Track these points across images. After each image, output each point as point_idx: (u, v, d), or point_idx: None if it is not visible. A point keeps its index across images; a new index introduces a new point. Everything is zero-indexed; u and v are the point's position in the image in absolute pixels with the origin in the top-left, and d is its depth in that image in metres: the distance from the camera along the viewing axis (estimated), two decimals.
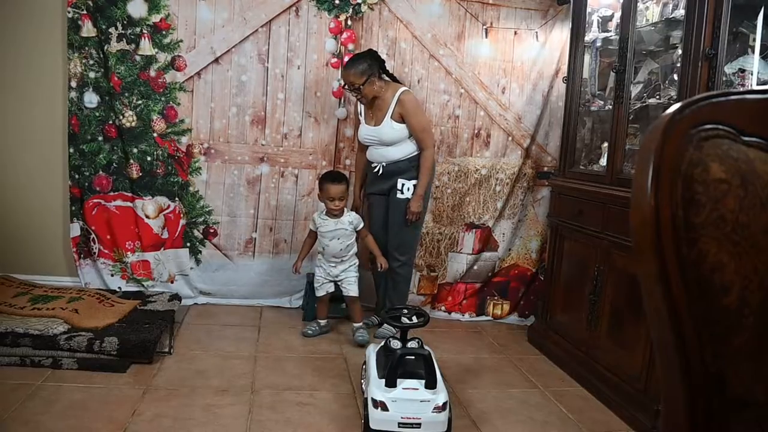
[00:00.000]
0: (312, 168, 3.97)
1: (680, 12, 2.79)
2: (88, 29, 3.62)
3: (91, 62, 3.67)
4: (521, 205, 4.20)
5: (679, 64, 2.76)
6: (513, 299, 4.23)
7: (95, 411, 2.49)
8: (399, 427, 2.38)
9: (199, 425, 2.44)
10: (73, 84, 3.67)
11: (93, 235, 3.83)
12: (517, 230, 4.23)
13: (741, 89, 2.43)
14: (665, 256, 0.75)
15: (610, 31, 3.50)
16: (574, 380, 3.21)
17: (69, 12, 3.60)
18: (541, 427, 2.69)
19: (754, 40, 2.62)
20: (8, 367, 2.80)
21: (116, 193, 3.82)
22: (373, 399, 2.39)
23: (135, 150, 3.78)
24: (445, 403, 2.41)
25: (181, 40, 3.74)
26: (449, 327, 4.01)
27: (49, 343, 2.87)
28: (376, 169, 3.56)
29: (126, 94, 3.71)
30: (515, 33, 4.06)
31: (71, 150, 3.73)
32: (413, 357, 2.48)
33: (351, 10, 3.86)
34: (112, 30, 3.65)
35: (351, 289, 3.50)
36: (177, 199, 3.88)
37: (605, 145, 3.32)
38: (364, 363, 2.80)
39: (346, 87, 3.50)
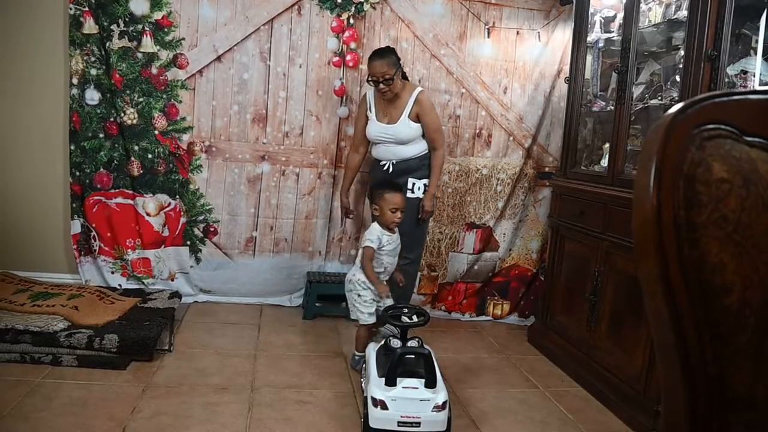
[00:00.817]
0: (313, 167, 3.97)
1: (683, 13, 2.79)
2: (89, 26, 3.62)
3: (93, 59, 3.67)
4: (522, 205, 4.20)
5: (681, 66, 2.77)
6: (513, 299, 4.23)
7: (95, 408, 2.49)
8: (398, 426, 2.38)
9: (198, 423, 2.44)
10: (75, 81, 3.67)
11: (93, 233, 3.83)
12: (518, 230, 4.23)
13: (743, 90, 2.43)
14: (667, 255, 0.75)
15: (613, 31, 3.49)
16: (574, 381, 3.21)
17: (71, 9, 3.60)
18: (540, 427, 2.69)
19: (757, 41, 2.62)
20: (8, 363, 2.81)
21: (117, 190, 3.82)
22: (372, 398, 2.39)
23: (136, 147, 3.78)
24: (444, 403, 2.41)
25: (183, 38, 3.74)
26: (449, 326, 4.01)
27: (49, 340, 2.87)
28: (385, 167, 3.53)
29: (127, 92, 3.71)
30: (517, 33, 4.06)
31: (72, 147, 3.73)
32: (413, 356, 2.48)
33: (353, 9, 3.85)
34: (113, 27, 3.65)
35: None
36: (178, 197, 3.88)
37: (606, 145, 3.32)
38: (364, 362, 2.80)
39: (373, 79, 3.38)
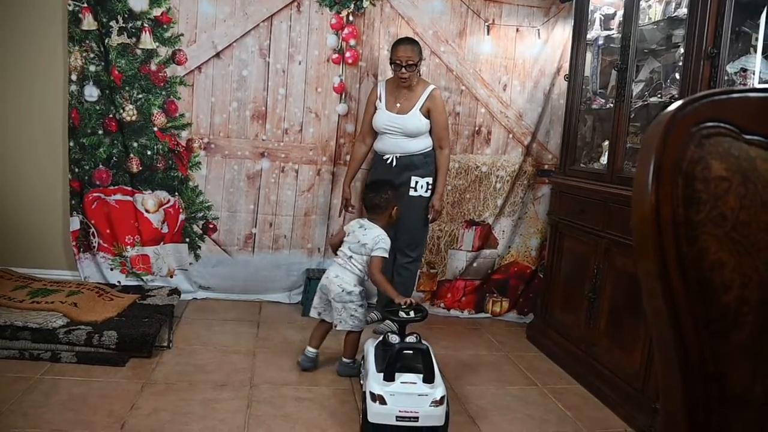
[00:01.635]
0: (312, 164, 3.97)
1: (683, 11, 2.79)
2: (88, 22, 3.62)
3: (92, 55, 3.67)
4: (521, 202, 4.20)
5: (681, 63, 2.76)
6: (512, 297, 4.23)
7: (94, 404, 2.49)
8: (397, 420, 2.38)
9: (197, 419, 2.45)
10: (74, 77, 3.67)
11: (93, 229, 3.83)
12: (517, 228, 4.23)
13: (743, 87, 2.42)
14: (666, 253, 0.75)
15: (613, 29, 3.49)
16: (573, 378, 3.21)
17: (70, 5, 3.59)
18: (538, 424, 2.69)
19: (757, 39, 2.62)
20: (7, 360, 2.80)
21: (116, 187, 3.82)
22: (371, 393, 2.40)
23: (135, 144, 3.77)
24: (442, 398, 2.42)
25: (182, 34, 3.74)
26: (448, 324, 4.01)
27: (48, 336, 2.87)
28: (388, 160, 3.53)
29: (126, 88, 3.71)
30: (517, 30, 4.05)
31: (71, 143, 3.73)
32: (411, 351, 2.50)
33: (353, 6, 3.85)
34: (112, 23, 3.64)
35: None
36: (177, 193, 3.88)
37: (606, 143, 3.32)
38: (363, 358, 2.81)
39: (397, 62, 3.38)
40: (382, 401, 2.37)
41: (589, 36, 3.55)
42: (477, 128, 4.09)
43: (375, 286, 3.14)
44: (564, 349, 3.38)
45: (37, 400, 2.48)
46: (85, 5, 3.59)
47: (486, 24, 4.01)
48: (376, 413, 2.38)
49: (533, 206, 4.22)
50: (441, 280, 4.19)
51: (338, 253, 3.02)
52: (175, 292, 3.69)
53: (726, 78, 2.55)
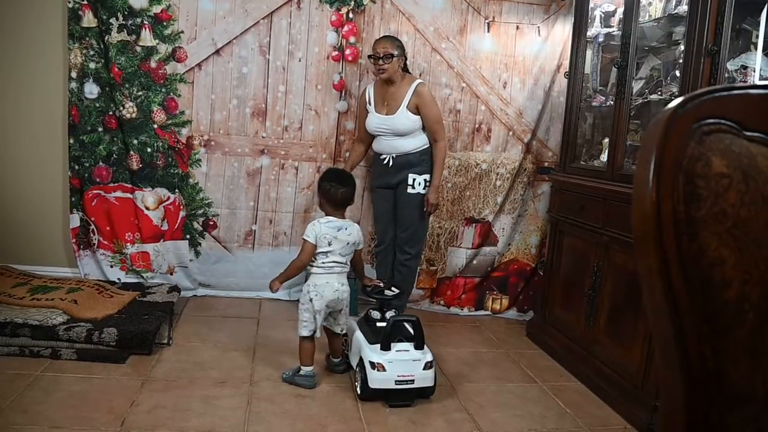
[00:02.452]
0: (312, 161, 3.96)
1: (683, 8, 2.78)
2: (88, 19, 3.61)
3: (92, 53, 3.66)
4: (521, 200, 4.20)
5: (681, 61, 2.76)
6: (512, 294, 4.23)
7: (94, 401, 2.49)
8: (395, 384, 2.65)
9: (197, 416, 2.45)
10: (74, 74, 3.66)
11: (92, 226, 3.83)
12: (517, 225, 4.23)
13: (744, 84, 2.42)
14: (666, 250, 0.75)
15: (613, 26, 3.49)
16: (572, 375, 3.21)
17: (69, 2, 3.58)
18: (538, 421, 2.70)
19: (757, 36, 2.62)
20: (7, 357, 2.81)
21: (116, 184, 3.82)
22: (371, 362, 2.63)
23: (135, 141, 3.77)
24: (431, 362, 2.72)
25: (182, 31, 3.73)
26: (448, 321, 4.01)
27: (49, 333, 2.87)
28: (385, 161, 3.53)
29: (126, 85, 3.71)
30: (517, 27, 4.05)
31: (71, 141, 3.72)
32: (404, 322, 2.78)
33: (353, 3, 3.84)
34: (112, 20, 3.63)
35: None
36: (177, 190, 3.88)
37: (606, 140, 3.32)
38: (346, 336, 3.02)
39: (373, 55, 3.40)
40: (382, 368, 2.63)
41: (589, 33, 3.55)
42: (477, 125, 4.08)
43: (358, 271, 3.06)
44: (564, 347, 3.39)
45: (37, 397, 2.48)
46: (85, 2, 3.58)
47: (486, 21, 4.01)
48: (376, 379, 2.63)
49: (533, 204, 4.22)
50: (441, 277, 4.19)
51: (330, 264, 2.81)
52: (175, 289, 3.69)
53: (726, 75, 2.54)
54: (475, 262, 4.20)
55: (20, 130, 3.81)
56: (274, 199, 3.98)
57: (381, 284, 3.08)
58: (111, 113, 3.73)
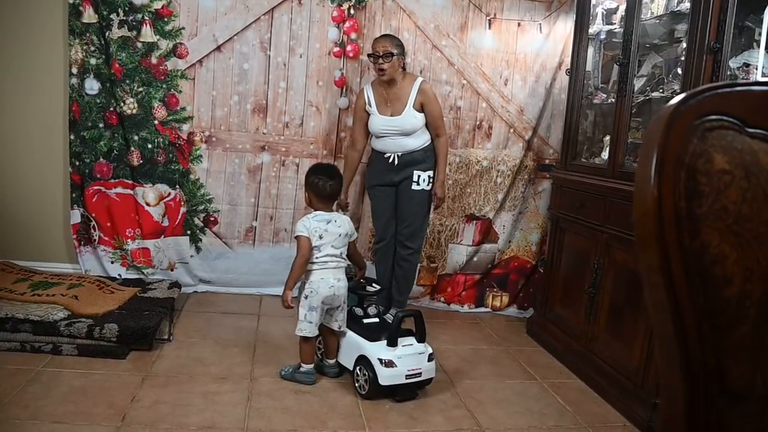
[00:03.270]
0: (313, 157, 3.96)
1: (685, 5, 2.78)
2: (89, 15, 3.61)
3: (92, 49, 3.66)
4: (522, 197, 4.19)
5: (683, 58, 2.76)
6: (512, 291, 4.23)
7: (95, 397, 2.49)
8: (406, 378, 2.68)
9: (197, 412, 2.45)
10: (74, 70, 3.66)
11: (93, 222, 3.83)
12: (518, 222, 4.23)
13: (747, 81, 2.42)
14: (667, 246, 0.75)
15: (615, 23, 3.48)
16: (572, 373, 3.22)
17: None
18: (538, 418, 2.70)
19: (760, 34, 2.61)
20: (8, 352, 2.82)
21: (117, 180, 3.82)
22: (380, 359, 2.65)
23: (136, 137, 3.77)
24: (432, 353, 2.79)
25: (183, 28, 3.73)
26: (448, 318, 4.02)
27: (50, 329, 2.88)
28: (390, 159, 3.51)
29: (127, 81, 3.70)
30: (519, 24, 4.04)
31: (72, 137, 3.72)
32: (411, 317, 2.79)
33: None
34: (113, 16, 3.63)
35: None
36: (178, 186, 3.88)
37: (607, 138, 3.32)
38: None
39: (373, 54, 3.37)
40: (392, 365, 2.65)
41: (591, 31, 3.54)
42: (478, 122, 4.08)
43: (357, 263, 3.05)
44: (564, 344, 3.39)
45: (38, 392, 2.48)
46: None
47: (487, 18, 4.00)
48: (387, 376, 2.65)
49: (534, 201, 4.21)
50: (441, 274, 4.19)
51: (324, 258, 2.78)
52: (176, 285, 3.70)
53: (728, 73, 2.54)
54: (475, 259, 4.20)
55: (21, 126, 3.81)
56: (274, 196, 3.98)
57: (362, 280, 3.08)
58: (112, 109, 3.73)
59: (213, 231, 3.97)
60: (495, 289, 4.23)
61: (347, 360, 2.86)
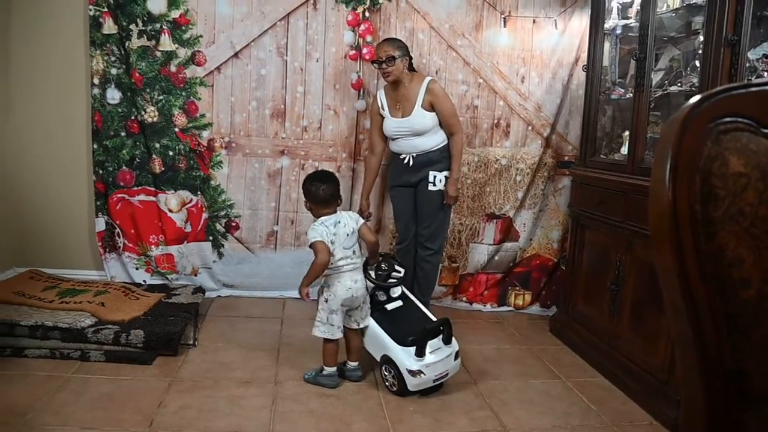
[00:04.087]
0: (332, 160, 3.98)
1: None
2: (109, 26, 3.67)
3: (113, 59, 3.72)
4: (542, 194, 4.17)
5: (701, 51, 2.72)
6: (534, 289, 4.22)
7: (122, 402, 2.54)
8: (433, 382, 2.75)
9: (223, 416, 2.48)
10: (96, 80, 3.73)
11: (117, 230, 3.89)
12: (538, 220, 4.21)
13: (761, 80, 2.38)
14: (683, 250, 0.76)
15: (630, 17, 3.45)
16: (597, 371, 3.20)
17: (90, 9, 3.65)
18: (562, 417, 2.69)
19: None
20: (39, 359, 2.88)
21: (139, 187, 3.88)
22: (409, 370, 2.68)
23: (157, 145, 3.82)
24: (458, 351, 2.86)
25: (201, 35, 3.77)
26: (471, 318, 4.01)
27: (78, 336, 2.93)
28: (405, 160, 3.53)
29: (147, 90, 3.76)
30: (534, 21, 4.02)
31: (95, 146, 3.79)
32: (439, 327, 2.82)
33: (368, 2, 3.85)
34: (132, 26, 3.69)
35: None
36: (199, 192, 3.93)
37: (626, 133, 3.29)
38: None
39: (376, 60, 3.42)
40: (420, 374, 2.69)
41: (606, 25, 3.52)
42: (496, 121, 4.07)
43: (373, 247, 2.99)
44: (587, 342, 3.37)
45: (67, 398, 2.53)
46: (106, 9, 3.64)
47: (502, 16, 3.99)
48: (416, 384, 2.71)
49: (554, 198, 4.19)
50: (463, 273, 4.19)
51: (339, 263, 2.79)
52: (200, 290, 3.75)
53: (747, 65, 2.51)
54: (496, 257, 4.20)
55: (45, 136, 3.89)
56: (295, 200, 4.01)
57: (384, 266, 3.03)
58: (133, 118, 3.79)
59: (235, 236, 4.01)
60: (517, 288, 4.22)
61: (373, 351, 2.90)
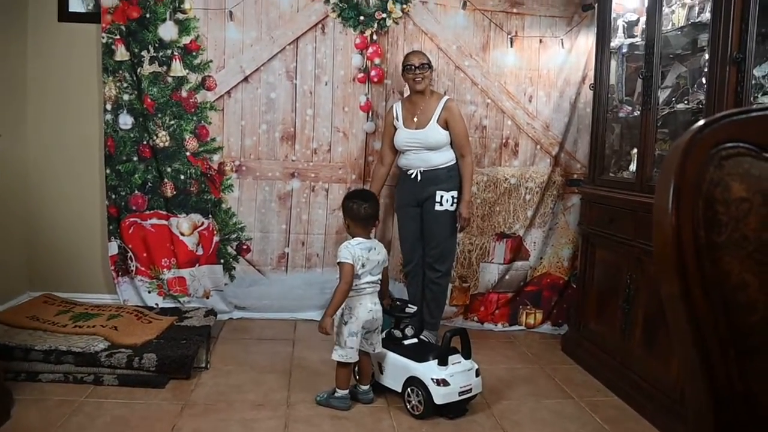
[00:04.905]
0: (342, 182, 4.01)
1: (706, 15, 2.76)
2: (121, 53, 3.74)
3: (125, 85, 3.79)
4: (551, 213, 4.18)
5: (707, 69, 2.74)
6: (546, 308, 4.20)
7: (136, 426, 2.55)
8: (459, 396, 2.74)
9: None
10: (108, 107, 3.79)
11: (130, 253, 3.93)
12: (548, 239, 4.21)
13: (762, 106, 2.40)
14: (688, 275, 0.76)
15: (636, 36, 3.47)
16: (609, 390, 3.17)
17: (103, 37, 3.72)
18: None
19: None
20: (53, 383, 2.89)
21: (152, 211, 3.92)
22: (434, 379, 2.70)
23: (169, 169, 3.87)
24: (478, 369, 2.87)
25: (211, 60, 3.84)
26: (482, 337, 3.99)
27: (91, 360, 2.95)
28: (413, 175, 3.55)
29: (159, 115, 3.82)
30: (540, 41, 4.06)
31: (108, 171, 3.84)
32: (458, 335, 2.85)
33: (376, 25, 3.90)
34: (144, 53, 3.76)
35: None
36: (210, 216, 3.96)
37: (634, 151, 3.30)
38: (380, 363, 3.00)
39: (409, 65, 3.47)
40: (446, 383, 2.71)
41: (613, 44, 3.54)
42: (504, 140, 4.09)
43: (383, 291, 3.01)
44: (600, 361, 3.35)
45: (82, 422, 2.55)
46: (118, 37, 3.71)
47: (509, 36, 4.03)
48: (442, 395, 2.70)
49: (563, 216, 4.20)
50: (474, 293, 4.19)
51: (363, 285, 2.82)
52: (212, 312, 3.76)
53: (753, 82, 2.52)
54: (507, 277, 4.19)
55: (59, 161, 3.95)
56: (305, 222, 4.04)
57: (398, 302, 3.11)
58: (145, 143, 3.84)
59: (246, 259, 4.03)
60: (528, 307, 4.21)
61: (394, 383, 2.88)
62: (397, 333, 3.01)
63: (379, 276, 2.90)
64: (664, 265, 0.78)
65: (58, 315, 3.47)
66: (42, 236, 3.99)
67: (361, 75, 3.94)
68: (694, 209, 0.77)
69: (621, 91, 3.59)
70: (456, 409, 2.77)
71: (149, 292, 3.97)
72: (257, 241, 4.03)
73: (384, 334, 2.99)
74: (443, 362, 2.74)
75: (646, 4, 3.17)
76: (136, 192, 3.89)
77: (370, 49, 3.92)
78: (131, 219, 3.91)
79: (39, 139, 3.92)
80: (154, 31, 3.74)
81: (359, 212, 2.86)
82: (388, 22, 3.91)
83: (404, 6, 3.91)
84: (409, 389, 2.80)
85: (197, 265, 3.99)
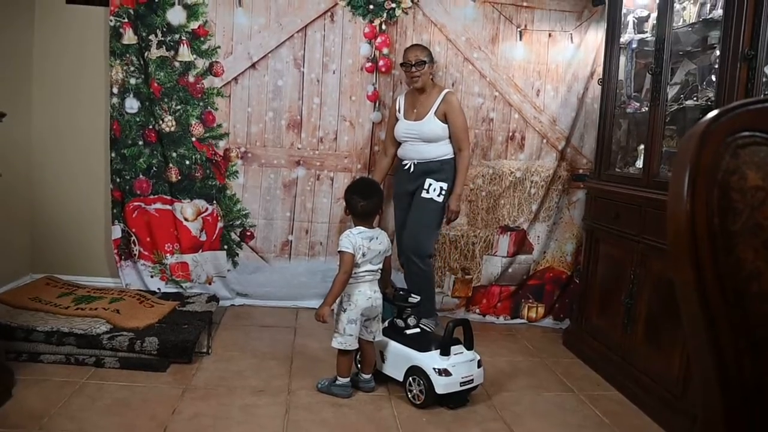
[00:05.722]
0: (347, 171, 4.01)
1: (718, 12, 2.75)
2: (129, 37, 3.72)
3: (132, 69, 3.77)
4: (556, 207, 4.17)
5: (717, 66, 2.72)
6: (548, 302, 4.21)
7: (137, 409, 2.55)
8: (460, 386, 2.75)
9: (236, 424, 2.49)
10: (115, 90, 3.78)
11: (133, 237, 3.93)
12: (552, 233, 4.20)
13: None
14: (701, 263, 0.76)
15: (646, 32, 3.46)
16: (610, 384, 3.18)
17: (111, 20, 3.71)
18: (576, 431, 2.68)
19: None
20: (54, 364, 2.90)
21: (156, 196, 3.92)
22: (436, 368, 2.71)
23: (174, 154, 3.87)
24: (480, 360, 2.88)
25: (219, 46, 3.82)
26: (484, 330, 3.99)
27: (93, 342, 2.95)
28: (407, 166, 3.59)
29: (165, 100, 3.81)
30: (550, 35, 4.04)
31: (113, 154, 3.84)
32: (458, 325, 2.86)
33: (385, 15, 3.89)
34: (152, 37, 3.75)
35: None
36: (215, 202, 3.96)
37: (641, 147, 3.29)
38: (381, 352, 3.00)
39: (406, 62, 3.51)
40: (447, 373, 2.71)
41: (622, 39, 3.52)
42: (511, 134, 4.08)
43: (385, 280, 3.00)
44: (601, 355, 3.35)
45: (83, 403, 2.55)
46: (126, 20, 3.70)
47: (518, 29, 4.01)
48: (443, 385, 2.71)
49: (568, 211, 4.19)
50: (476, 285, 4.19)
51: (362, 273, 2.80)
52: (214, 298, 3.77)
53: (764, 80, 2.50)
54: (510, 270, 4.19)
55: (65, 144, 3.95)
56: (310, 210, 4.03)
57: (401, 291, 3.08)
58: (151, 127, 3.83)
59: (249, 245, 4.03)
60: (530, 300, 4.21)
61: (396, 372, 2.89)
62: (400, 322, 3.01)
63: (380, 265, 2.89)
64: (678, 253, 0.78)
65: (61, 297, 3.48)
66: (46, 219, 3.99)
67: (369, 64, 3.93)
68: (709, 197, 0.76)
69: (629, 86, 3.58)
70: (457, 400, 2.78)
71: (152, 276, 3.97)
72: (261, 228, 4.03)
73: (386, 323, 2.99)
74: (445, 352, 2.76)
75: (657, 0, 3.15)
76: (141, 176, 3.89)
77: (379, 39, 3.91)
78: (135, 203, 3.91)
79: (44, 121, 3.91)
80: (162, 16, 3.73)
81: (356, 208, 2.85)
82: (398, 11, 3.89)
83: None
84: (410, 378, 2.81)
85: (200, 250, 3.99)
